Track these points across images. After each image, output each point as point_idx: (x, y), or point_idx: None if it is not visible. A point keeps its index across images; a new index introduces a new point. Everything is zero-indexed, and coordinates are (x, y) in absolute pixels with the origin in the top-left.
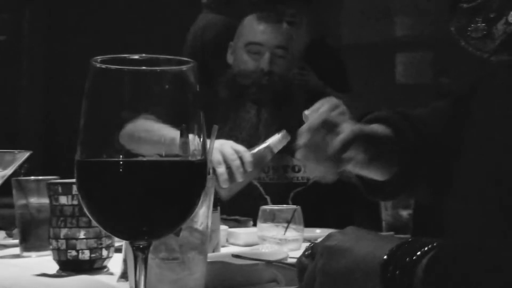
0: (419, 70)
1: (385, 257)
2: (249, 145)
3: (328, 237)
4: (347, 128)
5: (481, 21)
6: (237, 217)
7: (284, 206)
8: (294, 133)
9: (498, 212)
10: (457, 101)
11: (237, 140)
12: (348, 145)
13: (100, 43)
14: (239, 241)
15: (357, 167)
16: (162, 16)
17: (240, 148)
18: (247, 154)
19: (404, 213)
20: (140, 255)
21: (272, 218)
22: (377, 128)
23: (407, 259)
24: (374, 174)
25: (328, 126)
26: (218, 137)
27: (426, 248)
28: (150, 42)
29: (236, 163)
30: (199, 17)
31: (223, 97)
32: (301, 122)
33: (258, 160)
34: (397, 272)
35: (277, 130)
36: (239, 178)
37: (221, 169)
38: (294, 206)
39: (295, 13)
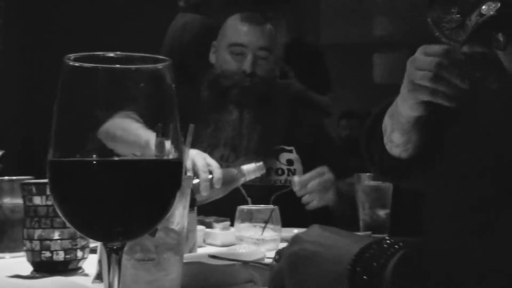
0: (397, 70)
1: (352, 261)
2: (231, 147)
3: (293, 241)
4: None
5: (456, 12)
6: (214, 217)
7: (262, 206)
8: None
9: (473, 212)
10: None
11: (219, 141)
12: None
13: (78, 41)
14: (216, 242)
15: (408, 122)
16: (140, 16)
17: (213, 162)
18: (218, 171)
19: (381, 212)
20: (114, 256)
21: (250, 218)
22: None
23: (374, 263)
24: (405, 144)
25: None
26: (200, 139)
27: (392, 250)
28: (127, 41)
29: (204, 175)
30: (176, 17)
31: (205, 98)
32: (283, 126)
33: (227, 180)
34: (364, 277)
35: (260, 133)
36: (204, 192)
37: None
38: (272, 206)
39: (276, 14)
